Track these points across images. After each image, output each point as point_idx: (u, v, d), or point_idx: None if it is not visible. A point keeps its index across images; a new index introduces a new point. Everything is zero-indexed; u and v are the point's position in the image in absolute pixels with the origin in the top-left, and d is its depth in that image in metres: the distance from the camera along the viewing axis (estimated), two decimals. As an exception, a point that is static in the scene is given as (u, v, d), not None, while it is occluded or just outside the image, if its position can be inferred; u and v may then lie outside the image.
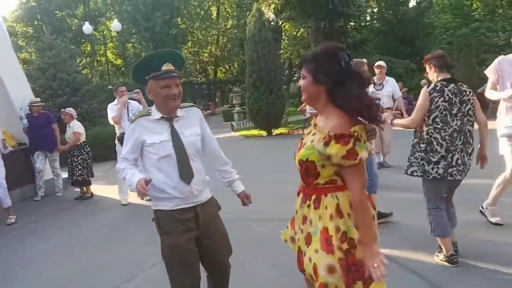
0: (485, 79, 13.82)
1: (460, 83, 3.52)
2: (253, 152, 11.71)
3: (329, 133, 1.93)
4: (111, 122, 6.91)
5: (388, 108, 6.74)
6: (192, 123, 2.61)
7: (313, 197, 2.08)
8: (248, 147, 13.24)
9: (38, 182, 8.16)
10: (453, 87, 3.44)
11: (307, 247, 2.08)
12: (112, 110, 6.85)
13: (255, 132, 16.08)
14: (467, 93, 3.48)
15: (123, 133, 6.64)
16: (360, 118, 1.96)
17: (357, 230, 1.98)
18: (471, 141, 3.51)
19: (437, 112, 3.42)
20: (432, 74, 3.63)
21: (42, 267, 4.56)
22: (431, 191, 3.58)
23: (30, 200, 8.05)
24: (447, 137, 3.41)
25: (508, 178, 4.23)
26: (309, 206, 2.09)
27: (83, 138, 7.76)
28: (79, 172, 7.62)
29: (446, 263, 3.53)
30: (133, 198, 7.04)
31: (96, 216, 6.59)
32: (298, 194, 2.25)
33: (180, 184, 2.47)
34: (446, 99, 3.41)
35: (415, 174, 3.55)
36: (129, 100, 6.87)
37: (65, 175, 8.20)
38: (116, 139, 6.82)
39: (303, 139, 2.20)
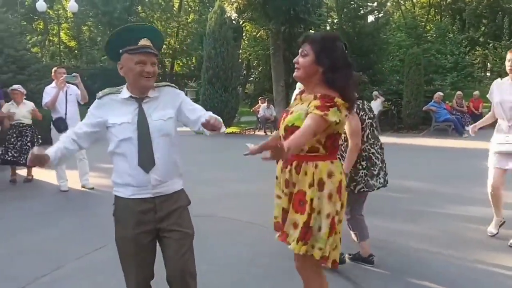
0: (430, 97, 14.35)
1: (365, 101, 3.71)
2: (201, 149, 11.68)
3: (315, 95, 2.15)
4: (44, 107, 6.57)
5: None
6: (164, 105, 2.36)
7: (295, 163, 2.23)
8: (196, 142, 13.15)
9: None
10: (367, 105, 3.64)
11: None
12: (48, 94, 6.46)
13: (206, 128, 16.02)
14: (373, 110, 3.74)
15: (59, 118, 6.42)
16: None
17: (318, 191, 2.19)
18: None
19: (367, 130, 3.55)
20: None
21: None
22: (358, 201, 3.71)
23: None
24: (379, 150, 3.62)
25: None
26: (290, 171, 2.25)
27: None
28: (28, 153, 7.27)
29: (364, 264, 3.70)
30: (74, 184, 6.85)
31: (31, 200, 6.34)
32: (277, 161, 2.36)
33: (138, 172, 2.26)
34: (370, 115, 3.58)
35: (362, 190, 3.58)
36: (68, 84, 6.52)
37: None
38: (52, 123, 6.51)
39: (288, 110, 2.36)
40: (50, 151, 2.24)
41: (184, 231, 2.37)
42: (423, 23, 29.76)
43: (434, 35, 25.45)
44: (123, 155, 2.27)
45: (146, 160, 2.26)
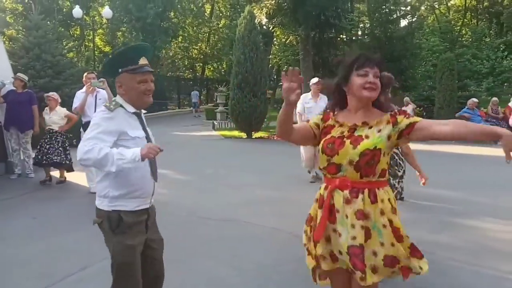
0: (464, 104, 13.92)
1: None
2: (228, 153, 11.73)
3: (394, 112, 2.12)
4: (74, 111, 6.75)
5: None
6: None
7: (366, 191, 2.07)
8: (225, 147, 13.25)
9: (14, 160, 8.05)
10: None
11: (365, 241, 2.05)
12: (78, 98, 6.64)
13: (235, 133, 16.12)
14: None
15: (88, 122, 6.55)
16: None
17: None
18: None
19: None
20: None
21: None
22: None
23: (-2, 179, 7.93)
24: (400, 155, 3.54)
25: None
26: (363, 199, 2.05)
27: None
28: (60, 156, 7.47)
29: None
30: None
31: (63, 201, 6.52)
32: (331, 192, 2.13)
33: (149, 183, 2.39)
34: None
35: None
36: (98, 89, 6.62)
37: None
38: (81, 127, 6.70)
39: (344, 137, 2.13)
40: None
41: (161, 237, 2.61)
42: (458, 27, 29.04)
43: (470, 40, 24.81)
44: (139, 167, 2.28)
45: (155, 170, 2.42)
